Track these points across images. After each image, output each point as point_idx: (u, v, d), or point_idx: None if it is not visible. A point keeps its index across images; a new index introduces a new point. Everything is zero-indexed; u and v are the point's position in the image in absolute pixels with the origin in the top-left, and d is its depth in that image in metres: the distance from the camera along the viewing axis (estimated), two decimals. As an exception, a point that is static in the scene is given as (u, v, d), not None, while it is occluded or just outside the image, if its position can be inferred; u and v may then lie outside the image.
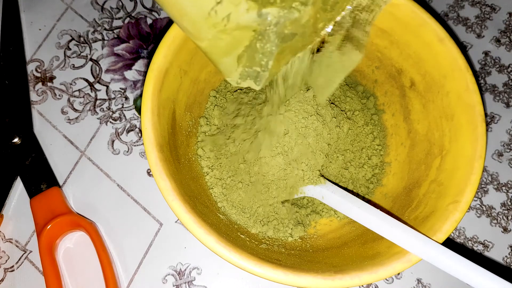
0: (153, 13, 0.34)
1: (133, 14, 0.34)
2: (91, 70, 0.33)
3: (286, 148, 0.25)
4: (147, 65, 0.33)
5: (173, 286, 0.28)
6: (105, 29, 0.34)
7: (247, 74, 0.20)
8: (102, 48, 0.33)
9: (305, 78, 0.25)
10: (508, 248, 0.30)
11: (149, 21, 0.34)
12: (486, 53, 0.35)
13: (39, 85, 0.32)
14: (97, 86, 0.32)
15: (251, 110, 0.27)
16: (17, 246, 0.29)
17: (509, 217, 0.31)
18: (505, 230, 0.30)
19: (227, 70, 0.20)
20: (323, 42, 0.24)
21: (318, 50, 0.24)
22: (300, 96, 0.25)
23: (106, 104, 0.32)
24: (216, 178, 0.26)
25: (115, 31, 0.34)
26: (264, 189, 0.25)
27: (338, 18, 0.21)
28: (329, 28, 0.22)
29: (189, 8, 0.17)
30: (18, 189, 0.30)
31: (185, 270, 0.29)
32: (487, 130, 0.32)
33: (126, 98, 0.32)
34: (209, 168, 0.26)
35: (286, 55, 0.21)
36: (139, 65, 0.33)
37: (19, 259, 0.28)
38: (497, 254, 0.30)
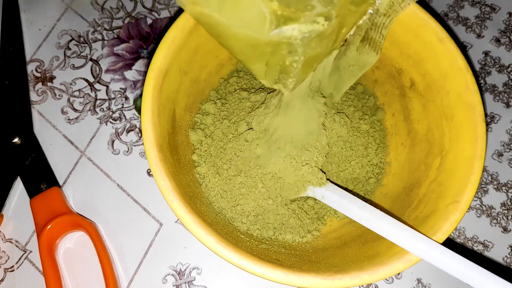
0: (153, 13, 0.34)
1: (133, 14, 0.34)
2: (91, 70, 0.33)
3: (286, 149, 0.25)
4: (147, 65, 0.33)
5: (173, 286, 0.28)
6: (105, 29, 0.34)
7: (277, 79, 0.21)
8: (102, 48, 0.33)
9: (324, 80, 0.26)
10: (508, 248, 0.30)
11: (149, 21, 0.34)
12: (486, 53, 0.35)
13: (39, 85, 0.32)
14: (97, 86, 0.32)
15: (248, 113, 0.27)
16: (17, 246, 0.29)
17: (509, 217, 0.31)
18: (505, 230, 0.30)
19: (259, 74, 0.21)
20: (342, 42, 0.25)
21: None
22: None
23: (106, 104, 0.32)
24: (213, 183, 0.26)
25: (115, 31, 0.34)
26: (263, 189, 0.25)
27: (360, 22, 0.22)
28: (351, 32, 0.23)
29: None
30: (18, 189, 0.30)
31: (185, 270, 0.29)
32: (487, 130, 0.32)
33: (126, 98, 0.32)
34: (205, 174, 0.26)
35: (313, 63, 0.21)
36: (139, 65, 0.33)
37: (19, 259, 0.28)
38: (497, 254, 0.30)
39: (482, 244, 0.30)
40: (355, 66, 0.24)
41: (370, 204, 0.23)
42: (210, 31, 0.20)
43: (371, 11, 0.22)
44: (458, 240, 0.30)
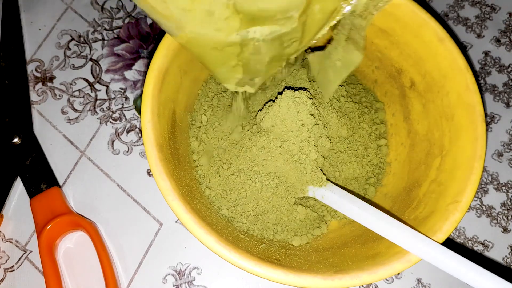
0: (153, 13, 0.34)
1: (133, 14, 0.34)
2: (91, 70, 0.33)
3: (285, 149, 0.25)
4: (147, 65, 0.33)
5: (173, 286, 0.28)
6: (105, 29, 0.34)
7: (242, 81, 0.21)
8: (102, 48, 0.33)
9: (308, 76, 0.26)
10: (508, 248, 0.30)
11: (149, 21, 0.34)
12: (486, 53, 0.35)
13: (39, 85, 0.32)
14: (97, 86, 0.32)
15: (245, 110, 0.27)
16: (17, 246, 0.29)
17: (509, 217, 0.31)
18: (505, 230, 0.30)
19: (224, 78, 0.21)
20: (329, 41, 0.25)
21: (324, 47, 0.25)
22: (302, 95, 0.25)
23: (106, 104, 0.32)
24: (213, 183, 0.26)
25: (115, 31, 0.34)
26: (263, 189, 0.25)
27: (334, 22, 0.22)
28: (321, 33, 0.23)
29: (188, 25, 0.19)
30: (18, 189, 0.30)
31: (185, 270, 0.29)
32: (487, 130, 0.32)
33: (126, 98, 0.32)
34: (205, 174, 0.26)
35: (280, 60, 0.21)
36: (139, 65, 0.33)
37: (19, 259, 0.28)
38: (497, 254, 0.30)
39: (482, 244, 0.30)
40: (341, 66, 0.25)
41: (370, 204, 0.23)
42: (182, 42, 0.20)
43: (347, 11, 0.22)
44: (458, 240, 0.30)
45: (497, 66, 0.34)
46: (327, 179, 0.25)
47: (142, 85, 0.32)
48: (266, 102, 0.26)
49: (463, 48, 0.35)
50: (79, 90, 0.32)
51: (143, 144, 0.30)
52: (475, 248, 0.30)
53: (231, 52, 0.20)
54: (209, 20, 0.18)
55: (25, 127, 0.30)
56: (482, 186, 0.31)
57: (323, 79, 0.25)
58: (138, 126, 0.31)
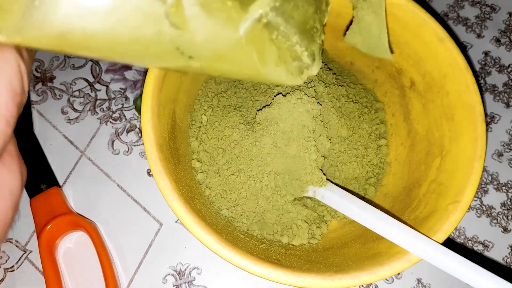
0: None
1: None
2: (91, 70, 0.33)
3: (286, 149, 0.25)
4: (147, 65, 0.33)
5: (173, 286, 0.28)
6: (105, 29, 0.34)
7: (298, 67, 0.17)
8: (102, 48, 0.33)
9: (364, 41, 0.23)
10: (508, 248, 0.30)
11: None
12: (486, 53, 0.35)
13: (39, 85, 0.32)
14: (97, 86, 0.32)
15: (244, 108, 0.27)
16: (17, 246, 0.29)
17: (509, 217, 0.31)
18: (505, 230, 0.30)
19: (280, 79, 0.17)
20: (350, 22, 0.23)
21: (350, 24, 0.24)
22: (302, 93, 0.25)
23: (106, 104, 0.32)
24: (213, 183, 0.26)
25: (115, 31, 0.34)
26: (263, 189, 0.25)
27: None
28: None
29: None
30: (18, 189, 0.30)
31: (185, 270, 0.29)
32: (487, 130, 0.32)
33: (126, 98, 0.32)
34: (205, 174, 0.26)
35: (309, 21, 0.17)
36: (139, 65, 0.33)
37: (19, 259, 0.28)
38: (497, 254, 0.30)
39: (482, 244, 0.30)
40: (374, 11, 0.22)
41: (370, 204, 0.23)
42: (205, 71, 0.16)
43: None
44: (458, 240, 0.30)
45: (497, 66, 0.34)
46: (327, 179, 0.25)
47: (142, 85, 0.32)
48: (267, 105, 0.26)
49: (463, 48, 0.35)
50: (79, 90, 0.32)
51: (143, 144, 0.30)
52: (475, 248, 0.30)
53: (258, 45, 0.15)
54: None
55: (25, 127, 0.30)
56: (482, 186, 0.31)
57: (372, 41, 0.23)
58: (138, 126, 0.31)
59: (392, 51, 0.25)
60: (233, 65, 0.15)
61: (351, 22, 0.24)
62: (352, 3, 0.23)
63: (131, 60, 0.14)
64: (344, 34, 0.25)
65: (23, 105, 0.14)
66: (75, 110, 0.32)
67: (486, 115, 0.33)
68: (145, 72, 0.33)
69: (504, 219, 0.31)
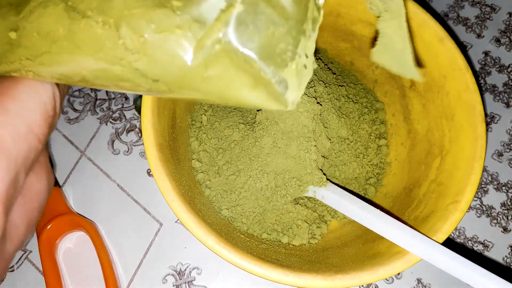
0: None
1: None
2: (91, 70, 0.33)
3: (286, 149, 0.25)
4: (147, 65, 0.33)
5: (173, 286, 0.28)
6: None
7: (298, 71, 0.15)
8: (102, 48, 0.33)
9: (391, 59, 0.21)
10: (508, 248, 0.30)
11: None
12: (486, 53, 0.35)
13: (39, 85, 0.32)
14: (97, 86, 0.32)
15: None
16: (17, 246, 0.29)
17: (509, 217, 0.31)
18: (505, 230, 0.30)
19: (265, 104, 0.15)
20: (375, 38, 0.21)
21: (375, 41, 0.22)
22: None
23: (106, 104, 0.32)
24: (213, 183, 0.26)
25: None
26: (263, 189, 0.25)
27: None
28: None
29: None
30: (18, 189, 0.30)
31: (185, 270, 0.29)
32: (487, 130, 0.32)
33: (126, 98, 0.32)
34: (205, 174, 0.26)
35: (288, 52, 0.15)
36: (139, 65, 0.33)
37: (19, 259, 0.28)
38: (497, 254, 0.30)
39: (482, 244, 0.30)
40: (395, 22, 0.20)
41: (370, 204, 0.23)
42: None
43: None
44: (458, 240, 0.30)
45: (497, 66, 0.34)
46: (327, 179, 0.25)
47: (142, 85, 0.32)
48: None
49: (463, 48, 0.35)
50: (79, 90, 0.32)
51: (143, 144, 0.30)
52: (475, 248, 0.30)
53: (212, 67, 0.14)
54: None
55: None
56: (482, 186, 0.31)
57: (398, 58, 0.21)
58: (138, 126, 0.31)
59: (421, 65, 0.23)
60: (198, 91, 0.14)
61: (375, 38, 0.22)
62: (374, 14, 0.21)
63: (97, 84, 0.15)
64: (372, 48, 0.23)
65: (55, 125, 0.16)
66: (75, 110, 0.32)
67: (486, 115, 0.33)
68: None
69: (504, 219, 0.31)
